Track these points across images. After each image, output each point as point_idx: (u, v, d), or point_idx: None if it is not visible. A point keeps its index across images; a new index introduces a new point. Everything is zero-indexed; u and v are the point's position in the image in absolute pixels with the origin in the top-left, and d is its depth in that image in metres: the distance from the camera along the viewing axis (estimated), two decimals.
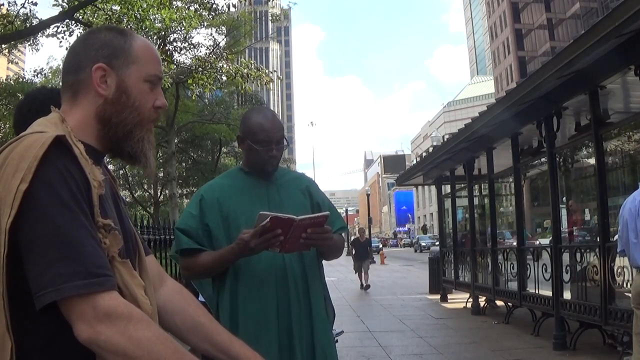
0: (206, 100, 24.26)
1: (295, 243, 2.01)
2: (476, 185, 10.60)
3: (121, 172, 24.00)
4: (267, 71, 16.72)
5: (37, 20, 12.02)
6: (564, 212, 7.50)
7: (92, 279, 0.95)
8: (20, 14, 11.99)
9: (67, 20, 11.87)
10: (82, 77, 1.14)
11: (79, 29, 12.09)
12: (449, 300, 11.34)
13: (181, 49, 16.37)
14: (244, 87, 15.98)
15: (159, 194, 26.72)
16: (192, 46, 16.60)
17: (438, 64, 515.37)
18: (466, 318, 9.17)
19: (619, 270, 5.30)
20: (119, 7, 12.22)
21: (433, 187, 14.86)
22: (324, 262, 2.37)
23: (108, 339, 0.95)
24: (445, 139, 12.50)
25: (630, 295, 4.39)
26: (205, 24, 16.88)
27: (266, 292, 2.07)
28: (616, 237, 4.62)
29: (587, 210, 7.62)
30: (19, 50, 24.39)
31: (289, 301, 2.08)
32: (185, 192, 25.95)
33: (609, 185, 6.17)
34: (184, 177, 26.24)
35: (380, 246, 39.59)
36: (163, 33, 14.45)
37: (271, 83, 16.93)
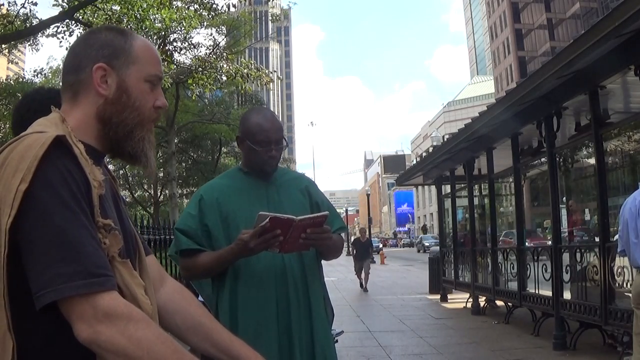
0: (206, 100, 24.26)
1: (295, 243, 2.01)
2: (476, 185, 10.60)
3: (121, 172, 24.00)
4: (267, 71, 16.72)
5: (37, 20, 12.02)
6: (564, 212, 7.50)
7: (92, 279, 0.95)
8: (20, 14, 11.99)
9: (67, 20, 11.87)
10: (83, 77, 1.14)
11: (79, 29, 12.08)
12: (449, 300, 11.34)
13: (181, 49, 16.36)
14: (244, 87, 15.98)
15: (159, 194, 26.72)
16: (192, 46, 16.59)
17: (438, 64, 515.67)
18: (466, 318, 9.17)
19: (619, 270, 5.30)
20: (119, 7, 12.22)
21: (433, 187, 14.87)
22: (323, 262, 2.37)
23: (108, 339, 0.95)
24: (445, 139, 12.50)
25: (630, 295, 4.39)
26: (205, 24, 16.87)
27: (266, 292, 2.07)
28: (616, 237, 4.62)
29: (587, 210, 7.62)
30: (19, 50, 24.41)
31: (289, 301, 2.08)
32: (185, 192, 25.95)
33: (609, 185, 6.17)
34: (184, 177, 26.23)
35: (381, 246, 39.58)
36: (163, 33, 14.44)
37: (271, 83, 16.94)
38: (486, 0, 78.54)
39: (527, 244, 8.12)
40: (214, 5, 14.24)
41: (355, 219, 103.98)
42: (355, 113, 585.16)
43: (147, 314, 1.04)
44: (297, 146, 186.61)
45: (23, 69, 31.04)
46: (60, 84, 1.21)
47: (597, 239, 5.97)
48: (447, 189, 12.27)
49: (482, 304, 9.51)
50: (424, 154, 12.63)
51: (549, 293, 6.80)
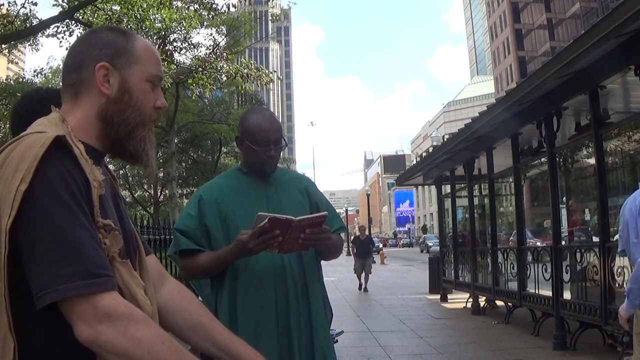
0: (206, 100, 24.26)
1: (294, 243, 2.01)
2: (476, 185, 10.60)
3: (121, 172, 24.00)
4: (267, 71, 16.72)
5: (37, 20, 12.01)
6: (564, 212, 7.51)
7: (93, 279, 0.95)
8: (20, 14, 11.98)
9: (67, 20, 11.87)
10: (85, 76, 1.14)
11: (79, 29, 12.08)
12: (449, 300, 11.34)
13: (181, 49, 16.36)
14: (244, 87, 15.98)
15: (159, 194, 26.71)
16: (192, 46, 16.58)
17: (438, 64, 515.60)
18: (466, 318, 9.17)
19: (619, 270, 5.31)
20: (119, 7, 12.21)
21: (433, 187, 14.86)
22: (323, 262, 2.37)
23: (108, 339, 0.95)
24: (445, 139, 12.51)
25: None
26: (205, 24, 16.88)
27: (265, 292, 2.07)
28: (616, 237, 4.62)
29: (587, 210, 7.62)
30: (19, 50, 24.40)
31: (288, 301, 2.08)
32: (185, 192, 25.93)
33: (609, 185, 6.17)
34: (184, 177, 26.22)
35: (381, 246, 39.56)
36: (163, 33, 14.44)
37: (271, 83, 16.94)
38: (486, 0, 78.55)
39: (538, 243, 8.09)
40: (214, 5, 14.24)
41: (355, 219, 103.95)
42: (355, 113, 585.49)
43: (147, 314, 1.04)
44: (297, 146, 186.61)
45: (23, 69, 31.05)
46: (61, 83, 1.21)
47: (594, 239, 5.97)
48: (447, 189, 12.27)
49: (482, 304, 9.51)
50: (424, 154, 12.63)
51: (549, 293, 6.80)
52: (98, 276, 0.96)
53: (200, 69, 14.61)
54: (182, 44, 16.28)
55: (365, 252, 14.73)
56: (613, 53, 5.03)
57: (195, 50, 16.75)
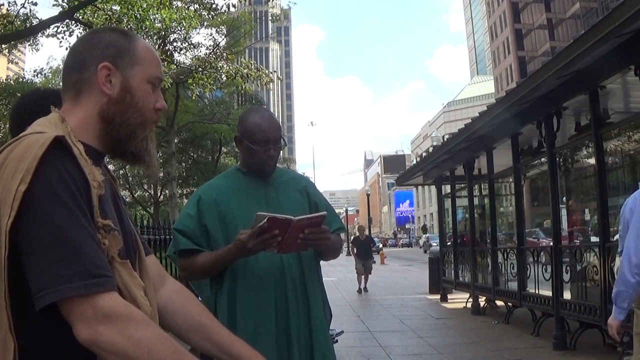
0: (206, 100, 24.26)
1: (293, 243, 2.01)
2: (476, 185, 10.60)
3: (121, 172, 24.00)
4: (267, 71, 16.72)
5: (37, 20, 12.01)
6: (564, 212, 7.50)
7: (92, 280, 0.95)
8: (20, 14, 11.98)
9: (67, 20, 11.86)
10: (87, 75, 1.14)
11: (79, 29, 12.08)
12: (449, 300, 11.34)
13: (181, 49, 16.35)
14: (244, 87, 15.98)
15: (159, 194, 26.72)
16: (192, 46, 16.58)
17: (438, 64, 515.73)
18: (466, 318, 9.17)
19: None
20: (119, 7, 12.20)
21: (433, 187, 14.85)
22: (323, 262, 2.37)
23: (108, 340, 0.95)
24: (445, 139, 12.51)
25: None
26: (205, 24, 16.88)
27: (264, 292, 2.07)
28: (616, 237, 4.61)
29: (587, 210, 7.62)
30: (19, 50, 24.42)
31: (287, 301, 2.08)
32: (185, 192, 25.94)
33: (609, 185, 6.17)
34: (184, 177, 26.23)
35: (380, 246, 39.56)
36: (163, 33, 14.43)
37: (271, 83, 16.94)
38: (486, 0, 78.55)
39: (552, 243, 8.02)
40: (214, 5, 14.24)
41: (355, 219, 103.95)
42: (355, 113, 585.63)
43: (146, 314, 1.04)
44: (297, 146, 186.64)
45: (23, 69, 31.07)
46: (61, 84, 1.21)
47: (593, 239, 5.96)
48: (447, 189, 12.27)
49: (482, 304, 9.51)
50: (424, 154, 12.63)
51: (549, 293, 6.80)
52: (98, 276, 0.96)
53: (200, 69, 14.61)
54: (182, 44, 16.28)
55: (366, 252, 14.56)
56: (613, 53, 5.03)
57: (195, 50, 16.77)
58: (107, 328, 0.95)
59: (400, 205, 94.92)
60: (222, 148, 26.02)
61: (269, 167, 2.20)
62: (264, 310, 2.06)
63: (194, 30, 15.80)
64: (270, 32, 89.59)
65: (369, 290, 13.91)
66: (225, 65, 15.28)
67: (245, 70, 15.11)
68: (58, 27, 12.17)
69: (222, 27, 19.68)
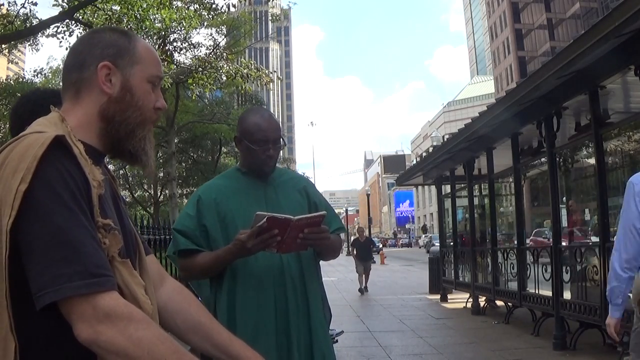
0: (206, 100, 24.26)
1: (293, 243, 2.00)
2: (476, 185, 10.60)
3: (121, 172, 24.00)
4: (267, 71, 16.73)
5: (37, 20, 12.01)
6: (564, 212, 7.50)
7: (92, 279, 0.95)
8: (20, 14, 11.98)
9: (67, 20, 11.87)
10: (87, 75, 1.14)
11: (79, 29, 12.08)
12: (449, 300, 11.34)
13: (181, 49, 16.36)
14: (244, 87, 15.99)
15: (159, 194, 26.72)
16: (192, 46, 16.59)
17: (438, 64, 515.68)
18: (466, 318, 9.17)
19: None
20: (119, 7, 12.21)
21: (433, 187, 14.85)
22: (323, 262, 2.36)
23: (108, 339, 0.95)
24: (445, 139, 12.50)
25: (630, 295, 4.39)
26: (205, 24, 16.88)
27: (264, 292, 2.07)
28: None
29: (587, 210, 7.62)
30: (19, 50, 24.42)
31: (287, 301, 2.08)
32: (185, 192, 25.94)
33: (609, 185, 6.16)
34: (184, 177, 26.23)
35: (381, 246, 39.58)
36: (163, 33, 14.43)
37: (271, 83, 16.95)
38: (486, 0, 78.56)
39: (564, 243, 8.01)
40: (214, 5, 14.24)
41: (355, 219, 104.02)
42: (355, 113, 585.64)
43: (147, 313, 1.04)
44: (297, 146, 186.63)
45: (23, 69, 31.08)
46: (61, 83, 1.21)
47: (593, 239, 5.96)
48: (447, 189, 12.27)
49: (482, 304, 9.51)
50: (424, 154, 12.63)
51: (549, 293, 6.80)
52: (98, 276, 0.96)
53: (200, 69, 14.62)
54: (182, 44, 16.29)
55: (366, 253, 14.52)
56: (613, 53, 5.02)
57: (195, 50, 16.77)
58: (108, 327, 0.95)
59: (400, 205, 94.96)
60: (222, 148, 26.02)
61: (268, 167, 2.20)
62: (264, 310, 2.05)
63: (194, 30, 15.80)
64: (270, 32, 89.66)
65: (369, 290, 13.91)
66: (225, 65, 15.29)
67: (245, 70, 15.12)
68: (58, 27, 12.18)
69: (222, 27, 19.68)
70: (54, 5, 11.64)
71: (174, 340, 1.03)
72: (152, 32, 13.54)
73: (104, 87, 1.14)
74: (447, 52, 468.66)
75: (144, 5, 12.13)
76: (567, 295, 6.44)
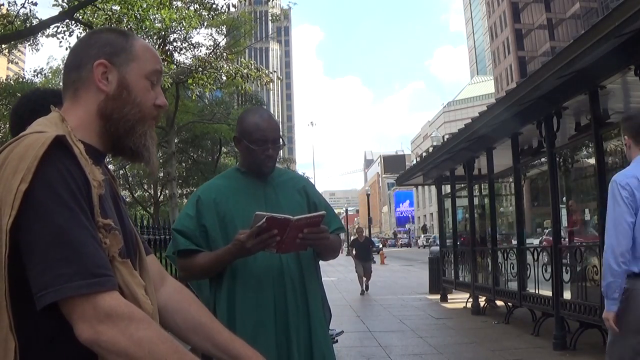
0: (206, 100, 24.26)
1: (292, 243, 2.00)
2: (476, 185, 10.60)
3: (121, 172, 24.01)
4: (267, 71, 16.73)
5: (37, 20, 12.02)
6: (564, 212, 7.50)
7: (93, 279, 0.95)
8: (20, 14, 11.99)
9: (67, 20, 11.88)
10: (84, 74, 1.15)
11: (79, 29, 12.09)
12: (449, 300, 11.34)
13: (181, 49, 16.36)
14: (244, 87, 15.99)
15: (159, 194, 26.72)
16: (192, 46, 16.59)
17: (438, 64, 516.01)
18: (466, 318, 9.17)
19: None
20: (119, 7, 12.21)
21: (433, 187, 14.84)
22: (323, 262, 2.36)
23: (109, 339, 0.95)
24: (445, 139, 12.50)
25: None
26: (205, 24, 16.87)
27: (263, 292, 2.07)
28: None
29: (587, 210, 7.62)
30: (19, 50, 24.44)
31: (286, 301, 2.08)
32: (185, 192, 25.94)
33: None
34: (184, 177, 26.23)
35: (381, 246, 39.58)
36: (163, 33, 14.44)
37: (271, 83, 16.95)
38: (486, 0, 78.56)
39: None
40: (214, 5, 14.25)
41: (355, 219, 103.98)
42: (355, 113, 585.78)
43: (147, 313, 1.04)
44: (297, 146, 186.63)
45: (23, 69, 31.08)
46: (61, 84, 1.21)
47: (593, 239, 5.96)
48: (447, 189, 12.26)
49: (482, 304, 9.51)
50: (424, 154, 12.62)
51: (549, 293, 6.80)
52: (99, 276, 0.96)
53: (200, 69, 14.62)
54: (182, 44, 16.29)
55: (365, 254, 14.43)
56: (613, 53, 5.02)
57: (195, 50, 16.77)
58: (108, 327, 0.95)
59: (400, 205, 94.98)
60: (222, 148, 26.02)
61: (267, 167, 2.20)
62: (263, 310, 2.05)
63: (194, 30, 15.81)
64: (270, 32, 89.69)
65: (369, 290, 13.90)
66: (225, 65, 15.29)
67: (245, 70, 15.12)
68: (58, 27, 12.19)
69: (222, 27, 19.67)
70: (54, 5, 11.65)
71: (175, 340, 1.03)
72: (152, 32, 13.54)
73: (100, 84, 1.14)
74: (447, 52, 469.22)
75: (144, 5, 12.14)
76: (567, 295, 6.44)
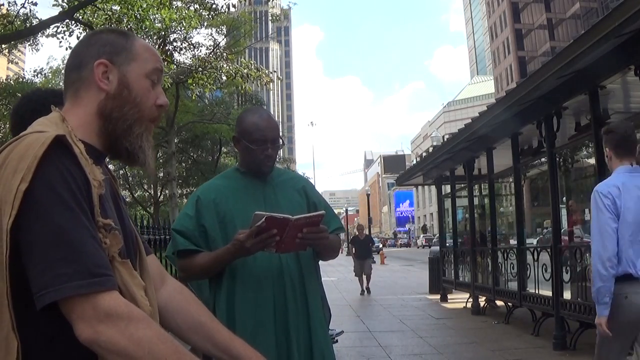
0: (206, 100, 24.27)
1: (291, 243, 2.00)
2: (476, 185, 10.60)
3: (121, 172, 23.99)
4: (267, 71, 16.73)
5: (37, 20, 12.03)
6: (564, 212, 7.50)
7: (93, 279, 0.95)
8: (20, 14, 12.00)
9: (67, 20, 11.88)
10: (85, 73, 1.15)
11: (79, 29, 12.09)
12: (449, 300, 11.34)
13: (181, 49, 16.35)
14: (244, 87, 15.99)
15: (159, 194, 26.71)
16: (192, 46, 16.58)
17: (438, 64, 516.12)
18: (466, 318, 9.17)
19: None
20: (119, 7, 12.22)
21: (433, 187, 14.84)
22: (323, 262, 2.36)
23: (109, 339, 0.95)
24: (445, 139, 12.50)
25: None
26: (205, 24, 16.88)
27: (263, 292, 2.07)
28: None
29: (587, 210, 7.62)
30: (19, 50, 24.45)
31: (286, 301, 2.07)
32: (185, 192, 25.93)
33: None
34: (184, 177, 26.23)
35: (381, 246, 39.58)
36: (163, 33, 14.44)
37: (271, 83, 16.95)
38: (486, 0, 78.57)
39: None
40: (214, 5, 14.25)
41: (355, 219, 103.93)
42: (355, 113, 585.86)
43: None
44: (297, 146, 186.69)
45: (23, 69, 31.09)
46: (61, 84, 1.21)
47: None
48: (447, 189, 12.26)
49: (482, 304, 9.51)
50: (424, 154, 12.62)
51: (549, 293, 6.80)
52: (98, 276, 0.96)
53: (200, 69, 14.62)
54: (182, 44, 16.28)
55: (364, 252, 14.37)
56: (613, 53, 5.02)
57: (195, 50, 16.76)
58: (108, 327, 0.95)
59: (400, 205, 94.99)
60: (222, 148, 26.02)
61: (266, 167, 2.20)
62: (263, 310, 2.05)
63: (194, 30, 15.81)
64: (270, 32, 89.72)
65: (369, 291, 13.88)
66: (225, 65, 15.29)
67: (245, 70, 15.13)
68: (58, 27, 12.19)
69: (222, 27, 19.67)
70: (54, 5, 11.65)
71: (175, 339, 1.03)
72: (152, 32, 13.55)
73: (100, 84, 1.14)
74: (447, 52, 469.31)
75: (144, 5, 12.14)
76: (567, 295, 6.44)
